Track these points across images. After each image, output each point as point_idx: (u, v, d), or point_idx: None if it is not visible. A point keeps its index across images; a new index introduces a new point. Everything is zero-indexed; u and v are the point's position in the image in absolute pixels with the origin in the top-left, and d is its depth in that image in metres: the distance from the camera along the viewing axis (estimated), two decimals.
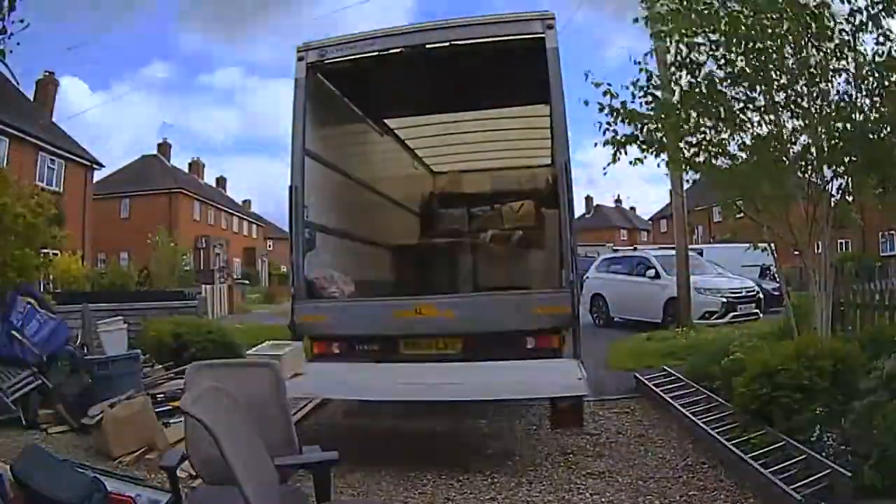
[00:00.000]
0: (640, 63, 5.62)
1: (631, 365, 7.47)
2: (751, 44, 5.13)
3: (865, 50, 5.03)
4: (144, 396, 5.22)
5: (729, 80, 5.35)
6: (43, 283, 12.12)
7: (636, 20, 5.56)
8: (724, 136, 5.55)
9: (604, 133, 5.65)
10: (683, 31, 5.35)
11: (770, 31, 5.08)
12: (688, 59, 5.47)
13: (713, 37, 5.30)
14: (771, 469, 3.64)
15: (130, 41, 77.15)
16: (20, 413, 5.46)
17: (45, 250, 8.96)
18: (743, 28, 5.13)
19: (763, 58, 5.09)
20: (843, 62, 5.05)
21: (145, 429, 4.83)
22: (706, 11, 5.26)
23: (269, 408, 2.70)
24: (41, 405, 5.63)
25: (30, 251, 7.24)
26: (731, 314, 11.39)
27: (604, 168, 5.90)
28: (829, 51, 5.06)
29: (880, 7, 4.88)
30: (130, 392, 5.34)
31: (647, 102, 5.59)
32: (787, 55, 5.15)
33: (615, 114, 5.55)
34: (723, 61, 5.31)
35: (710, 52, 5.36)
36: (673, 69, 5.62)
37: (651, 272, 12.48)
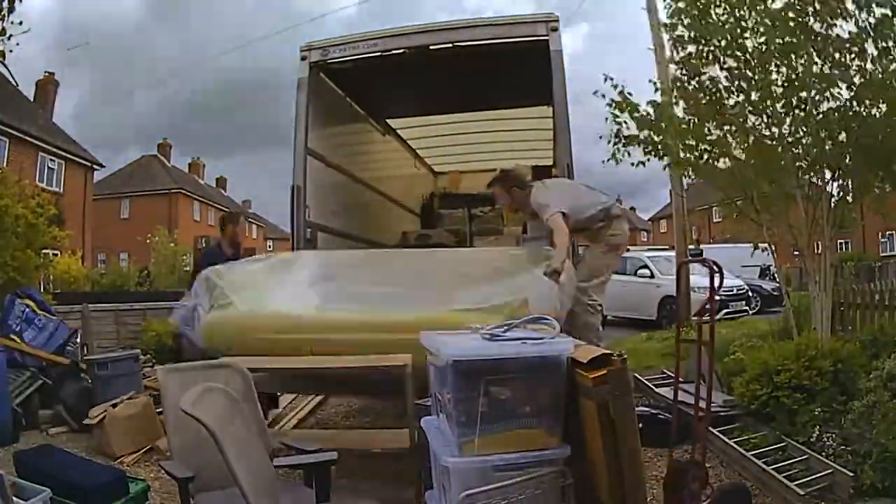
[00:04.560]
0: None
1: (630, 365, 7.44)
2: (755, 52, 5.11)
3: (870, 54, 5.00)
4: (147, 396, 5.22)
5: (732, 87, 5.33)
6: (43, 283, 12.14)
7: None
8: (728, 138, 5.53)
9: (613, 132, 5.65)
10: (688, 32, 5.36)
11: (776, 45, 5.05)
12: (689, 61, 5.47)
13: (717, 42, 5.28)
14: (771, 468, 3.66)
15: None
16: (22, 415, 5.47)
17: (46, 251, 8.98)
18: (748, 44, 5.12)
19: (766, 66, 5.07)
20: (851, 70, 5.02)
21: (147, 429, 4.85)
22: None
23: (241, 405, 2.70)
24: (41, 406, 5.63)
25: (30, 252, 7.26)
26: (724, 311, 12.19)
27: (602, 162, 5.90)
28: (833, 61, 5.03)
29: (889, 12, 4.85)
30: (132, 392, 5.35)
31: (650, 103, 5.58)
32: (792, 66, 5.11)
33: (626, 112, 5.52)
34: (726, 70, 5.29)
35: (715, 57, 5.35)
36: (675, 71, 5.61)
37: (645, 272, 13.24)
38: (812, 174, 5.30)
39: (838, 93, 4.93)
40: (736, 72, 5.21)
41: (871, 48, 4.88)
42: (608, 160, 5.76)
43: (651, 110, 5.52)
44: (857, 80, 4.91)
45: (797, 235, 5.35)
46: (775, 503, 3.49)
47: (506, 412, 2.32)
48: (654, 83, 5.68)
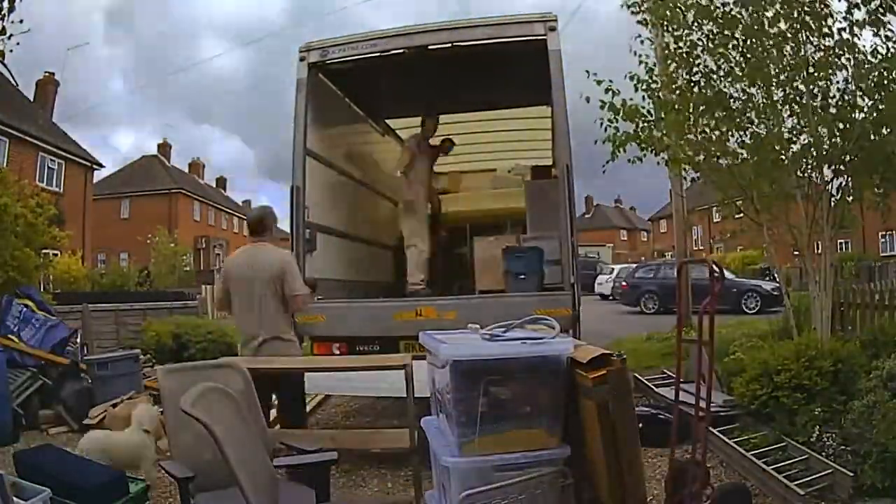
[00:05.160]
0: (638, 55, 5.65)
1: (630, 365, 7.44)
2: (748, 41, 5.14)
3: (864, 47, 5.02)
4: (147, 396, 5.22)
5: (727, 77, 5.35)
6: (43, 283, 12.14)
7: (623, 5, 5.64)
8: (723, 132, 5.54)
9: (605, 130, 5.66)
10: (668, 21, 5.39)
11: (767, 28, 5.08)
12: (683, 54, 5.49)
13: (708, 27, 5.30)
14: (772, 468, 3.66)
15: None
16: (22, 415, 5.47)
17: (46, 250, 8.98)
18: (739, 25, 5.15)
19: (761, 52, 5.09)
20: (843, 59, 5.04)
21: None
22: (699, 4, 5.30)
23: (241, 405, 2.71)
24: (41, 406, 5.64)
25: (30, 251, 7.25)
26: None
27: (602, 166, 5.90)
28: (827, 48, 5.05)
29: (879, 3, 4.87)
30: (132, 392, 5.35)
31: (648, 95, 5.59)
32: (784, 52, 5.14)
33: (616, 112, 5.54)
34: (720, 59, 5.32)
35: (707, 47, 5.37)
36: (671, 65, 5.62)
37: None
38: (811, 169, 5.31)
39: (836, 83, 4.97)
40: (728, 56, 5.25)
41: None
42: (608, 162, 5.77)
43: (647, 104, 5.56)
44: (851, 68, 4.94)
45: (797, 235, 5.35)
46: (775, 503, 3.49)
47: (506, 412, 2.32)
48: (647, 79, 5.69)
